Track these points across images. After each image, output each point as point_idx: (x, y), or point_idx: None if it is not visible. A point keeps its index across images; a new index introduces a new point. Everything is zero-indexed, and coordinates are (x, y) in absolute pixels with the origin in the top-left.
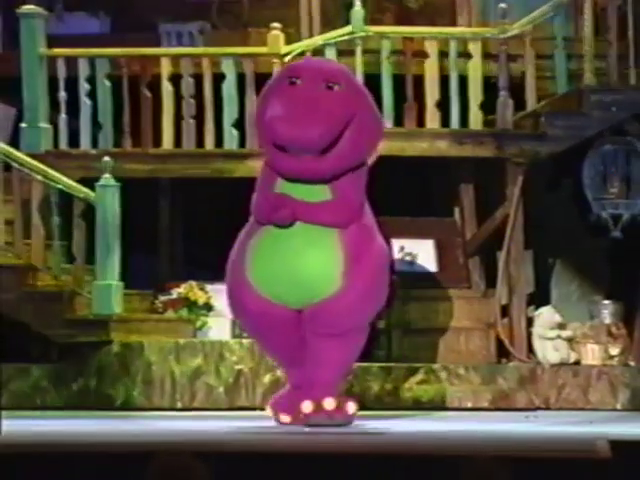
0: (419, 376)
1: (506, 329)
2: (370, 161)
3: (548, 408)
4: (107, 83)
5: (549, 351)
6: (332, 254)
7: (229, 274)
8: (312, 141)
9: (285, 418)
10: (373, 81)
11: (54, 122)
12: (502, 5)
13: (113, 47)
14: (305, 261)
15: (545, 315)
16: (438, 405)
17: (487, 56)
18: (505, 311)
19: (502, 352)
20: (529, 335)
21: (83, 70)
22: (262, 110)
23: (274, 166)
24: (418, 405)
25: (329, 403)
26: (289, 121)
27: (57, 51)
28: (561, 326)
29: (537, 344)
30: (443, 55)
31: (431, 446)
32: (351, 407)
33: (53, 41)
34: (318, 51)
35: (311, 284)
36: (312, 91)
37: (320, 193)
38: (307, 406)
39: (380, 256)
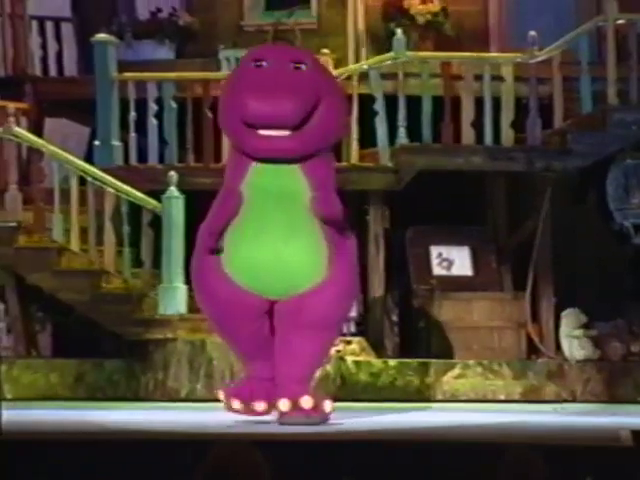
0: (456, 371)
1: (536, 328)
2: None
3: (574, 401)
4: (173, 104)
5: (575, 348)
6: (316, 245)
7: (196, 257)
8: (285, 116)
9: (236, 405)
10: (414, 102)
11: (124, 140)
12: (532, 33)
13: (178, 72)
14: (289, 251)
15: (571, 316)
16: (473, 398)
17: (518, 79)
18: (535, 312)
19: (532, 349)
20: (557, 334)
21: (151, 93)
22: (228, 94)
23: (245, 147)
24: (455, 398)
25: (306, 401)
26: (261, 98)
27: (127, 75)
28: (586, 325)
29: (564, 342)
30: (478, 78)
31: (471, 436)
32: (327, 405)
33: (124, 66)
34: (364, 75)
35: (295, 275)
36: (280, 71)
37: (291, 175)
38: (284, 404)
39: (354, 249)
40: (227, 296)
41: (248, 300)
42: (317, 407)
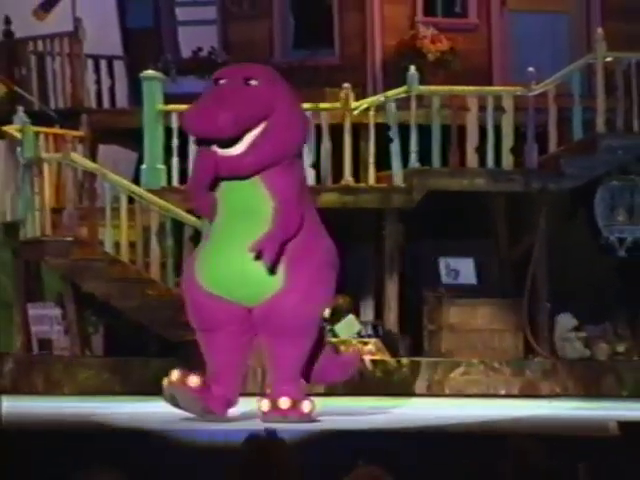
0: (461, 369)
1: (532, 331)
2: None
3: (567, 396)
4: None
5: (567, 349)
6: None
7: (183, 273)
8: (216, 128)
9: (265, 405)
10: (425, 130)
11: (168, 164)
12: (530, 69)
13: None
14: (250, 262)
15: (564, 320)
16: (476, 392)
17: (517, 109)
18: (531, 316)
19: (529, 350)
20: (551, 336)
21: None
22: None
23: (202, 166)
24: (461, 392)
25: (284, 402)
26: (197, 112)
27: (171, 107)
28: (577, 328)
29: (558, 343)
30: (481, 109)
31: (474, 426)
32: (306, 406)
33: (168, 99)
34: (380, 106)
35: (256, 283)
36: (230, 87)
37: (253, 188)
38: (264, 404)
39: (324, 254)
40: (201, 304)
41: (223, 308)
42: (296, 407)
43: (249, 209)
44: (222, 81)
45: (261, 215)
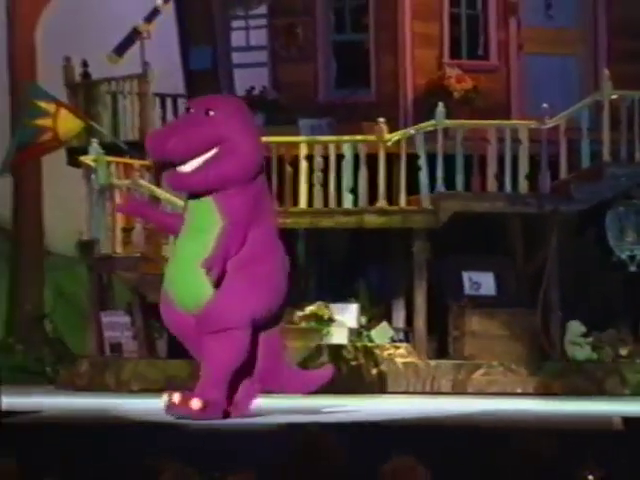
0: (482, 370)
1: (545, 336)
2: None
3: (577, 393)
4: None
5: (577, 352)
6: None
7: None
8: (165, 150)
9: (176, 398)
10: (450, 159)
11: None
12: (544, 105)
13: (266, 136)
14: (187, 271)
15: (573, 326)
16: (496, 391)
17: (532, 141)
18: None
19: (543, 353)
20: (562, 341)
21: None
22: None
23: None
24: (481, 391)
25: (195, 403)
26: (154, 136)
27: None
28: (585, 334)
29: (568, 347)
30: (500, 140)
31: (493, 421)
32: (195, 403)
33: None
34: (411, 138)
35: (194, 292)
36: (188, 116)
37: (204, 207)
38: (176, 396)
39: (265, 270)
40: (165, 314)
41: (177, 316)
42: (185, 404)
43: (200, 228)
44: (191, 110)
45: (210, 234)
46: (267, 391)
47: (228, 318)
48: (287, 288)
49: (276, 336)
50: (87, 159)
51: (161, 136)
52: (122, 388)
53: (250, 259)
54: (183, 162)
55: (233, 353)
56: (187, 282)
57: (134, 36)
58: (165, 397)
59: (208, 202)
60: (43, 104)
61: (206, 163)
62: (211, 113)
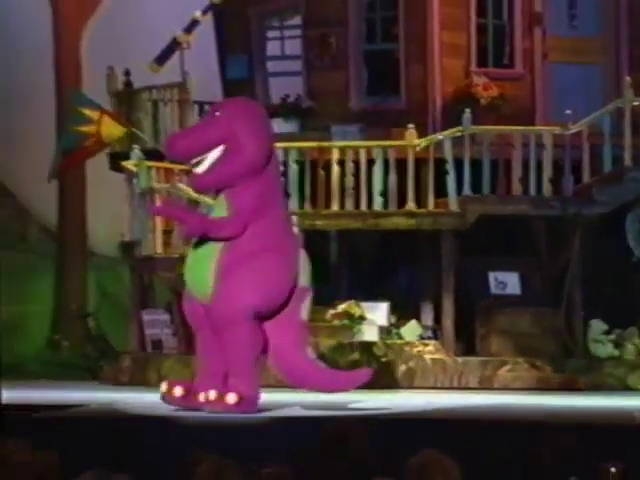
0: (508, 366)
1: (569, 334)
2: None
3: (599, 388)
4: (294, 166)
5: (599, 349)
6: (215, 257)
7: None
8: (174, 150)
9: (178, 391)
10: (476, 164)
11: None
12: (568, 111)
13: (300, 142)
14: (198, 263)
15: (596, 324)
16: (521, 387)
17: (556, 146)
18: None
19: (566, 350)
20: (585, 338)
21: (280, 157)
22: None
23: None
24: (507, 387)
25: (231, 398)
26: (167, 140)
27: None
28: (607, 332)
29: (591, 345)
30: (525, 145)
31: (519, 415)
32: (231, 398)
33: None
34: (439, 144)
35: (200, 283)
36: (203, 117)
37: (217, 202)
38: (212, 394)
39: (271, 263)
40: (185, 306)
41: (195, 308)
42: (221, 400)
43: None
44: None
45: None
46: (296, 387)
47: (231, 311)
48: (293, 283)
49: (298, 332)
50: (129, 164)
51: (174, 138)
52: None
53: (255, 252)
54: (196, 163)
55: (246, 345)
56: (198, 273)
57: (174, 46)
58: (172, 389)
59: (221, 199)
60: (87, 111)
61: (215, 163)
62: (216, 114)
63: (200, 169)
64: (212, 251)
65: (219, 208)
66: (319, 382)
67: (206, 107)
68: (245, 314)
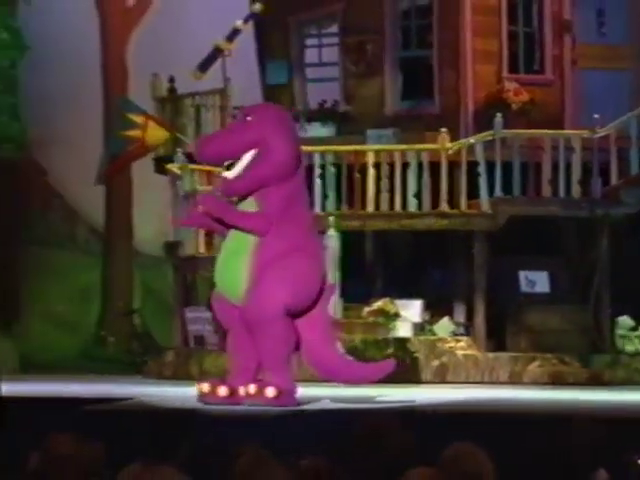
0: (537, 362)
1: (597, 331)
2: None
3: (627, 383)
4: (332, 169)
5: (626, 345)
6: (246, 257)
7: None
8: (205, 153)
9: (223, 391)
10: (507, 166)
11: None
12: (596, 115)
13: (336, 145)
14: (230, 263)
15: (623, 321)
16: (550, 381)
17: (585, 149)
18: (596, 319)
19: (594, 346)
20: (612, 335)
21: (317, 160)
22: None
23: None
24: (537, 381)
25: (270, 391)
26: (198, 142)
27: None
28: (634, 328)
29: (618, 341)
30: (555, 148)
31: (549, 409)
32: (270, 392)
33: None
34: (471, 147)
35: (233, 283)
36: (234, 122)
37: (246, 205)
38: (252, 388)
39: (300, 262)
40: (216, 306)
41: (228, 309)
42: (261, 394)
43: None
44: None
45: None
46: (327, 379)
47: (264, 310)
48: (321, 281)
49: (326, 328)
50: (173, 167)
51: (205, 142)
52: (204, 377)
53: (285, 252)
54: (227, 166)
55: (281, 342)
56: (230, 274)
57: (216, 54)
58: (209, 388)
59: (250, 201)
60: (133, 116)
61: (245, 168)
62: (248, 119)
63: (231, 173)
64: (243, 254)
65: (247, 209)
66: (348, 374)
67: None
68: (278, 312)
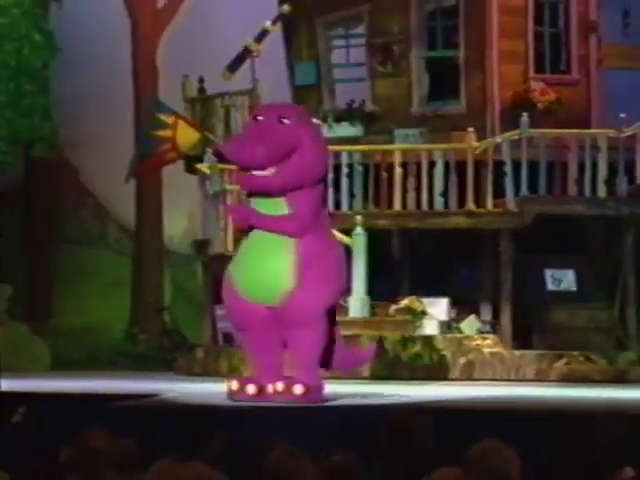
0: (563, 360)
1: (622, 328)
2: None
3: None
4: (359, 168)
5: None
6: (287, 259)
7: (223, 281)
8: (253, 159)
9: (251, 389)
10: (533, 165)
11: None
12: (621, 115)
13: (364, 145)
14: (264, 264)
15: None
16: (576, 379)
17: (611, 148)
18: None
19: (619, 344)
20: (638, 333)
21: (345, 160)
22: None
23: (239, 184)
24: (563, 379)
25: (298, 389)
26: (239, 144)
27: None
28: None
29: None
30: (581, 148)
31: (574, 407)
32: (298, 389)
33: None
34: (497, 146)
35: (270, 284)
36: (266, 123)
37: (278, 207)
38: (280, 386)
39: (333, 261)
40: (237, 307)
41: (253, 309)
42: (289, 391)
43: None
44: (260, 117)
45: None
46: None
47: (309, 309)
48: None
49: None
50: (202, 167)
51: (247, 146)
52: (233, 375)
53: (321, 252)
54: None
55: (318, 341)
56: (263, 276)
57: (245, 55)
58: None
59: (279, 201)
60: (163, 117)
61: (283, 166)
62: (285, 121)
63: (266, 172)
64: (277, 255)
65: (277, 210)
66: (343, 362)
67: None
68: (321, 311)
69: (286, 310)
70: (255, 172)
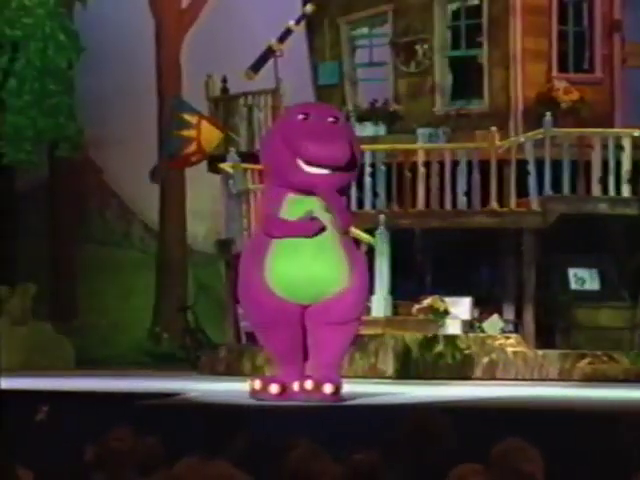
0: (587, 359)
1: None
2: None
3: None
4: (382, 167)
5: None
6: (339, 258)
7: (242, 278)
8: (342, 158)
9: (274, 388)
10: (556, 165)
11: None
12: None
13: (387, 144)
14: (317, 265)
15: None
16: (599, 379)
17: (635, 147)
18: None
19: None
20: None
21: (367, 159)
22: (278, 139)
23: (293, 182)
24: (586, 379)
25: (328, 388)
26: (322, 145)
27: None
28: None
29: None
30: (604, 147)
31: (598, 406)
32: (328, 388)
33: None
34: (520, 145)
35: (322, 284)
36: (325, 123)
37: (318, 202)
38: (309, 384)
39: (366, 261)
40: (269, 305)
41: (285, 307)
42: (319, 390)
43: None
44: (310, 117)
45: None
46: None
47: (355, 309)
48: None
49: None
50: (225, 166)
51: (333, 147)
52: (256, 374)
53: (358, 253)
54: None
55: (350, 340)
56: (313, 275)
57: (268, 54)
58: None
59: (314, 199)
60: (187, 116)
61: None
62: (339, 121)
63: (324, 170)
64: (322, 253)
65: (316, 207)
66: None
67: None
68: (362, 313)
69: (331, 309)
70: (316, 171)
